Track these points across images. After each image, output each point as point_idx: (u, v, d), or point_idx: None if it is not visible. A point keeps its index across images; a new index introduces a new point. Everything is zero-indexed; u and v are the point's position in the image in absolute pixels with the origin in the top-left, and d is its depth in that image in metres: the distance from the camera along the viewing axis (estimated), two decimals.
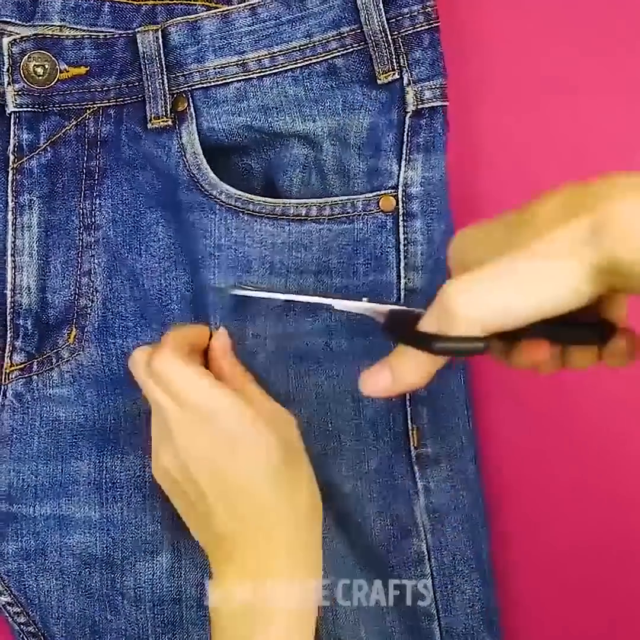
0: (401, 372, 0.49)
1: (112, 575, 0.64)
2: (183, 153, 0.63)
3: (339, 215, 0.63)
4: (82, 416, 0.64)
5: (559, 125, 0.67)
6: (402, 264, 0.63)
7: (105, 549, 0.63)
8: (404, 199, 0.64)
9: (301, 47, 0.64)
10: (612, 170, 0.63)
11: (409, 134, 0.63)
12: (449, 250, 0.52)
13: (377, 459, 0.64)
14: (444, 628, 0.63)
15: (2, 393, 0.64)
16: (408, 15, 0.63)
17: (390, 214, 0.64)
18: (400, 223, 0.64)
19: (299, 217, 0.63)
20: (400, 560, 0.64)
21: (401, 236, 0.64)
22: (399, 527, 0.64)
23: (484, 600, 0.64)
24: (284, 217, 0.63)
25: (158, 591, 0.63)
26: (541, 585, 0.67)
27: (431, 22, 0.63)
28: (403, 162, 0.63)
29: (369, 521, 0.64)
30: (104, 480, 0.64)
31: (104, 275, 0.65)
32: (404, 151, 0.63)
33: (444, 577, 0.63)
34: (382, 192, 0.64)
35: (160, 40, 0.63)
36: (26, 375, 0.65)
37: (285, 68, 0.64)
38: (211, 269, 0.63)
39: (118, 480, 0.64)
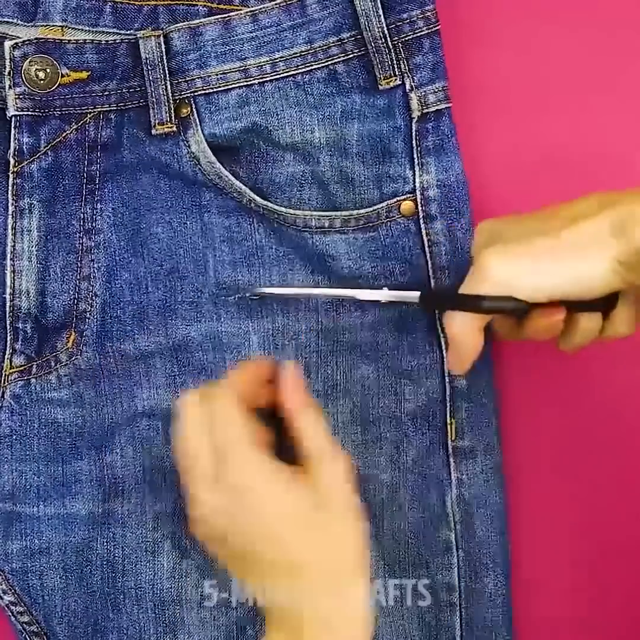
0: (458, 335, 0.55)
1: (114, 574, 0.65)
2: (197, 162, 0.64)
3: (363, 225, 0.65)
4: (79, 418, 0.66)
5: (563, 125, 0.68)
6: (429, 265, 0.65)
7: (106, 545, 0.65)
8: (422, 202, 0.65)
9: (302, 53, 0.64)
10: (617, 170, 0.67)
11: (418, 138, 0.65)
12: (474, 238, 0.58)
13: (414, 450, 0.66)
14: (465, 619, 0.65)
15: (0, 394, 0.65)
16: (407, 20, 0.64)
17: (411, 218, 0.65)
18: (422, 226, 0.65)
19: (322, 229, 0.65)
20: (429, 549, 0.65)
21: (425, 238, 0.65)
22: (431, 516, 0.65)
23: (506, 595, 0.66)
24: (306, 229, 0.65)
25: (159, 592, 0.65)
26: (555, 581, 0.68)
27: (431, 26, 0.64)
28: (416, 167, 0.65)
29: (403, 510, 0.66)
30: (106, 477, 0.65)
31: (103, 279, 0.65)
32: (416, 156, 0.65)
33: (469, 567, 0.65)
34: (401, 197, 0.65)
35: (163, 46, 0.63)
36: (25, 378, 0.65)
37: (287, 74, 0.64)
38: (247, 271, 0.65)
39: (119, 476, 0.65)
